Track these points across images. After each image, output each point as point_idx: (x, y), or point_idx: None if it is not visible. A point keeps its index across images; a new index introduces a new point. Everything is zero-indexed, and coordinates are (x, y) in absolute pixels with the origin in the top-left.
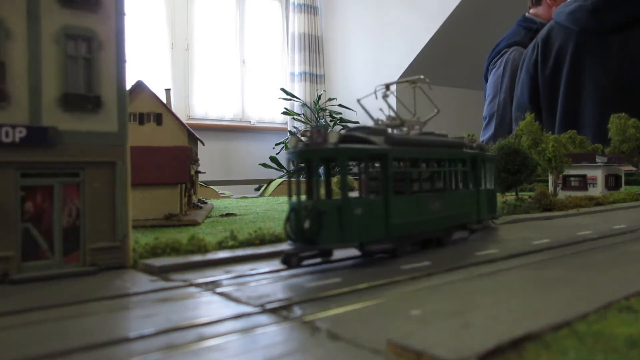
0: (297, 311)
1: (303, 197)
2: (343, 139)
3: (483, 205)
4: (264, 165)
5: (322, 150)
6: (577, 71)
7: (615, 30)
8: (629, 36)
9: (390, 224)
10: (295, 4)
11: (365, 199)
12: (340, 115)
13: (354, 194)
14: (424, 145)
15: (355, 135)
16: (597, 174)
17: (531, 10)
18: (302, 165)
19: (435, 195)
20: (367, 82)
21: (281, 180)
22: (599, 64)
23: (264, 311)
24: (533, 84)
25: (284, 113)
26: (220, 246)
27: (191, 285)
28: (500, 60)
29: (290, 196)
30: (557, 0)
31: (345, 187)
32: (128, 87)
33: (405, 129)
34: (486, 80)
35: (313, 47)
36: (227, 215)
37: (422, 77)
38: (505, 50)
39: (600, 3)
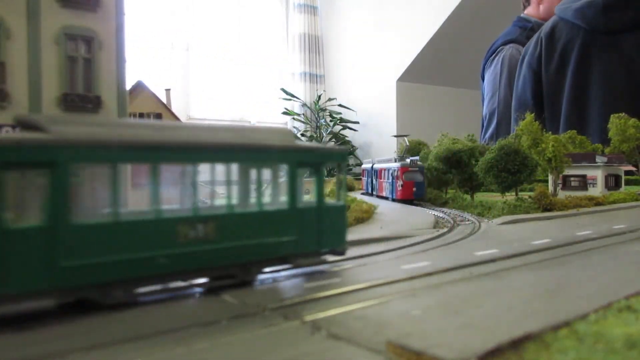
0: (297, 311)
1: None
2: None
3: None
4: None
5: None
6: (584, 69)
7: (624, 30)
8: (639, 36)
9: None
10: (296, 4)
11: None
12: (340, 115)
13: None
14: None
15: None
16: (597, 174)
17: (525, 11)
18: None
19: None
20: (367, 82)
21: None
22: (607, 63)
23: (264, 311)
24: (536, 81)
25: (284, 113)
26: None
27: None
28: (496, 57)
29: None
30: None
31: None
32: (128, 87)
33: None
34: (483, 79)
35: (313, 47)
36: None
37: None
38: (501, 48)
39: (612, 1)
